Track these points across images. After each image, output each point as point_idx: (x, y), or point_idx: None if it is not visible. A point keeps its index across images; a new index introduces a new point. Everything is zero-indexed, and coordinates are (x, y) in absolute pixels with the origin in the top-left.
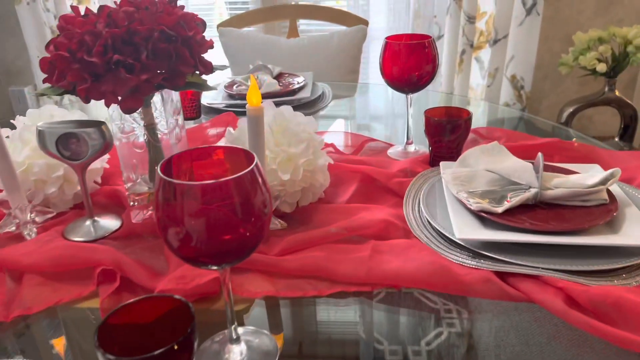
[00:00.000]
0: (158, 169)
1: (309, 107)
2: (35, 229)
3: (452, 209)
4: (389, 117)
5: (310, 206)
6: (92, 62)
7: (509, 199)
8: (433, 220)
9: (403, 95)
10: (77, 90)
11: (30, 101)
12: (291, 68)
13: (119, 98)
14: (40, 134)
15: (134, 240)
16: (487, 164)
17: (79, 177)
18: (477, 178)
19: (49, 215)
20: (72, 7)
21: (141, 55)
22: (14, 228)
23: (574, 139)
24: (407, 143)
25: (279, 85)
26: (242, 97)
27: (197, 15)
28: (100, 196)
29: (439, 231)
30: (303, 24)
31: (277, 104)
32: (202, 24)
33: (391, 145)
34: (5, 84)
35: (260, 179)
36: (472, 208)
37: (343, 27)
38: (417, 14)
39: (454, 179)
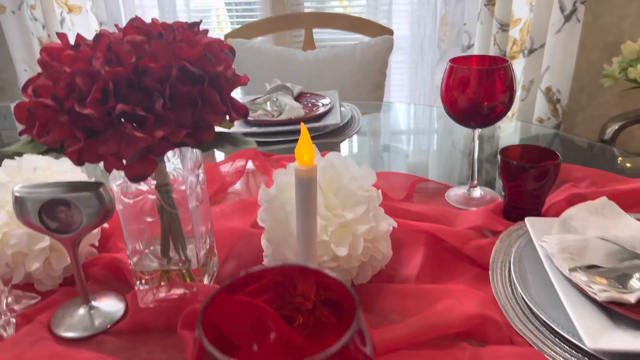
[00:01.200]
0: (199, 336)
1: (337, 134)
2: (13, 320)
3: (567, 300)
4: (424, 143)
5: (370, 286)
6: (87, 114)
7: (636, 279)
8: (541, 311)
9: (439, 118)
10: (66, 152)
11: None
12: (310, 85)
13: (124, 161)
14: (18, 202)
15: (144, 336)
16: (599, 229)
17: (69, 254)
18: (589, 249)
19: (32, 302)
20: (58, 34)
21: (155, 103)
22: None
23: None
24: (472, 186)
25: (302, 108)
26: (260, 124)
27: (223, 41)
28: (97, 267)
29: (552, 327)
30: (317, 32)
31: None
32: (231, 53)
33: (447, 186)
34: None
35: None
36: (598, 299)
37: (363, 37)
38: (444, 21)
39: (561, 251)
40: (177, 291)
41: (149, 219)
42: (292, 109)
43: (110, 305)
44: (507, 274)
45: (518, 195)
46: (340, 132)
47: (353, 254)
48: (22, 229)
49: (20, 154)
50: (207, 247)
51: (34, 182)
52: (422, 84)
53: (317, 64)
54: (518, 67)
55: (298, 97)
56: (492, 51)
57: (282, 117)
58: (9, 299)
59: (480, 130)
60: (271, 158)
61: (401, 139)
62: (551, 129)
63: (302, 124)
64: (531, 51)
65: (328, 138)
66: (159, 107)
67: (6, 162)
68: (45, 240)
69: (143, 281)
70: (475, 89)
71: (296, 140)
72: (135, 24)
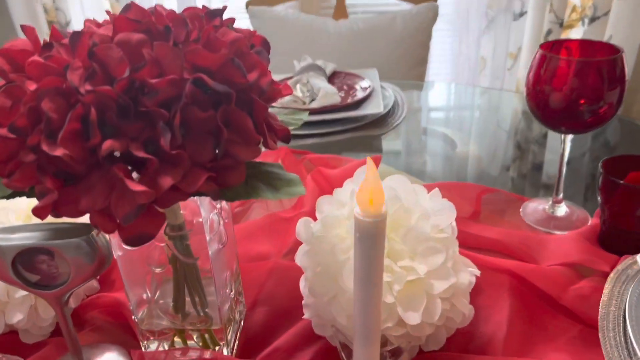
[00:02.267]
0: None
1: (379, 125)
2: None
3: None
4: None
5: (444, 355)
6: (59, 156)
7: None
8: None
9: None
10: (33, 210)
11: None
12: (343, 61)
13: (117, 220)
14: None
15: None
16: None
17: (56, 312)
18: None
19: None
20: (23, 27)
21: (160, 137)
22: None
23: None
24: (555, 201)
25: (338, 93)
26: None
27: (254, 31)
28: (97, 310)
29: None
30: None
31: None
32: (265, 49)
33: (521, 198)
34: None
35: None
36: None
37: (401, 3)
38: None
39: None
40: (193, 354)
41: (157, 270)
42: (327, 94)
43: None
44: (622, 334)
45: (623, 220)
46: (383, 121)
47: (427, 320)
48: None
49: None
50: (232, 296)
51: (10, 215)
52: (466, 55)
53: (351, 36)
54: (577, 36)
55: (331, 78)
56: (548, 19)
57: (315, 104)
58: None
59: (572, 135)
60: (304, 157)
61: (446, 123)
62: None
63: (367, 158)
64: (593, 19)
65: (367, 130)
66: (165, 142)
67: None
68: None
69: (151, 339)
70: (574, 84)
71: (332, 133)
72: (131, 14)
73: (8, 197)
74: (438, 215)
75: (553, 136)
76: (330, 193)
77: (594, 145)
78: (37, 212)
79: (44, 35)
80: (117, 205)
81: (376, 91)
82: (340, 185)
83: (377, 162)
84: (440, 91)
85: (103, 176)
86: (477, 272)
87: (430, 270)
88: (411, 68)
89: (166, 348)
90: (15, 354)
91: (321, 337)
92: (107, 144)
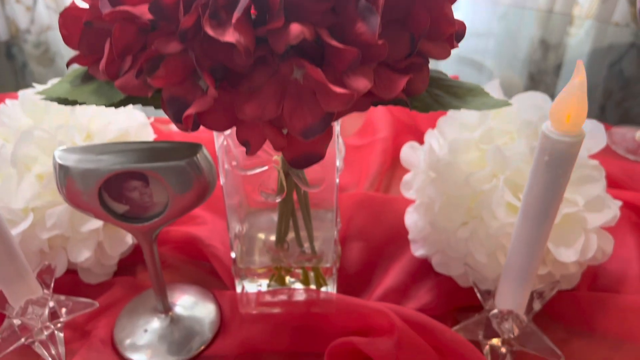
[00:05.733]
0: None
1: None
2: (60, 334)
3: None
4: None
5: (579, 295)
6: (228, 42)
7: None
8: None
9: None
10: (183, 116)
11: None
12: None
13: (285, 132)
14: (65, 174)
15: None
16: None
17: (145, 251)
18: None
19: (88, 310)
20: None
21: (357, 21)
22: (22, 341)
23: None
24: None
25: None
26: None
27: None
28: (169, 246)
29: None
30: None
31: None
32: None
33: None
34: None
35: None
36: None
37: None
38: None
39: None
40: (299, 297)
41: (278, 199)
42: None
43: (197, 312)
44: None
45: None
46: None
47: (582, 258)
48: (62, 202)
49: (63, 100)
50: (337, 230)
51: (74, 133)
52: None
53: None
54: None
55: None
56: None
57: None
58: (51, 303)
59: None
60: None
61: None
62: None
63: (578, 61)
64: None
65: None
66: (369, 28)
67: (24, 95)
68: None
69: (247, 279)
70: None
71: None
72: None
73: (116, 105)
74: (591, 139)
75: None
76: (406, 117)
77: None
78: (185, 120)
79: None
80: (294, 114)
81: None
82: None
83: None
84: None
85: (272, 75)
86: (619, 203)
87: (587, 202)
88: None
89: (264, 289)
90: (76, 296)
91: (438, 275)
92: (296, 28)
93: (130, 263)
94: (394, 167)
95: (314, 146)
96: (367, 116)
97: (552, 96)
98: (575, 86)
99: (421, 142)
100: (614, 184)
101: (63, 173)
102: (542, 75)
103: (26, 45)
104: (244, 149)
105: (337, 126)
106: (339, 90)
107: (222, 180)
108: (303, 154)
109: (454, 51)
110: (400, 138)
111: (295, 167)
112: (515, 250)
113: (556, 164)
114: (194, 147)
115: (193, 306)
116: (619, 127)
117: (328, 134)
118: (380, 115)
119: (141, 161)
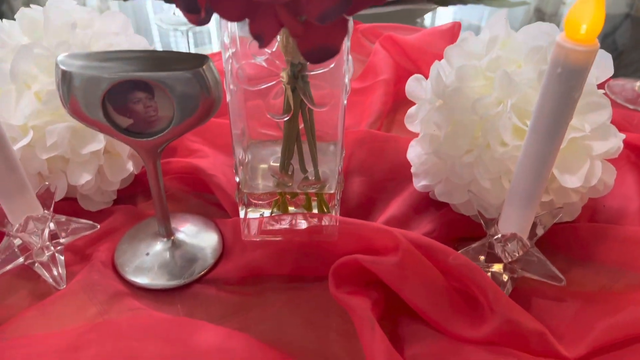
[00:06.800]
0: None
1: None
2: (61, 257)
3: None
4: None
5: (579, 226)
6: None
7: None
8: None
9: None
10: None
11: None
12: None
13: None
14: (69, 81)
15: (258, 288)
16: None
17: (148, 168)
18: None
19: (88, 232)
20: None
21: None
22: (21, 260)
23: None
24: None
25: None
26: None
27: None
28: (171, 176)
29: None
30: None
31: None
32: None
33: None
34: None
35: None
36: None
37: None
38: None
39: None
40: (301, 224)
41: (285, 118)
42: None
43: (199, 239)
44: None
45: None
46: None
47: (585, 185)
48: (63, 121)
49: None
50: (341, 159)
51: (76, 47)
52: None
53: None
54: None
55: None
56: None
57: None
58: (52, 225)
59: None
60: (357, 28)
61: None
62: (624, 7)
63: None
64: None
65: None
66: None
67: (23, 12)
68: (100, 140)
69: (250, 208)
70: None
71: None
72: None
73: None
74: (600, 69)
75: None
76: (407, 62)
77: None
78: (197, 6)
79: None
80: None
81: None
82: (420, 54)
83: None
84: None
85: None
86: (623, 135)
87: (593, 129)
88: None
89: (267, 215)
90: None
91: (439, 206)
92: None
93: (129, 194)
94: (395, 110)
95: (329, 38)
96: (369, 60)
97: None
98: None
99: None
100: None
101: (66, 80)
102: None
103: None
104: (252, 60)
105: (347, 42)
106: None
107: (228, 97)
108: (319, 45)
109: None
110: (402, 83)
111: (310, 61)
112: (521, 171)
113: (570, 76)
114: (201, 58)
115: (195, 234)
116: (618, 79)
117: (344, 26)
118: (382, 59)
119: (146, 70)
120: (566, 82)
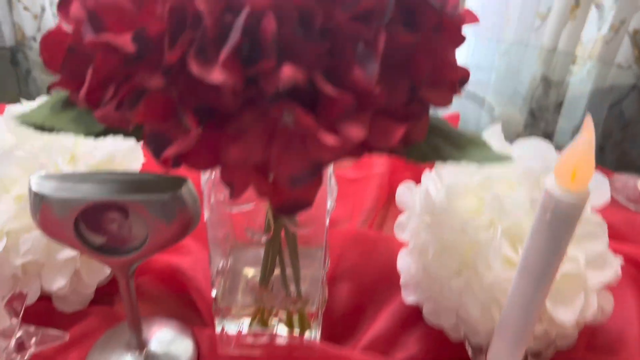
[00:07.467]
0: None
1: None
2: None
3: None
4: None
5: (577, 356)
6: (214, 84)
7: None
8: None
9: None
10: (162, 156)
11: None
12: None
13: (271, 177)
14: (41, 202)
15: None
16: None
17: (120, 284)
18: None
19: (58, 343)
20: None
21: (353, 65)
22: None
23: None
24: None
25: None
26: None
27: None
28: (149, 276)
29: None
30: None
31: None
32: None
33: (608, 172)
34: None
35: None
36: None
37: None
38: None
39: None
40: (279, 340)
41: (263, 239)
42: None
43: (173, 349)
44: None
45: None
46: None
47: (580, 319)
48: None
49: (40, 127)
50: (325, 272)
51: (57, 155)
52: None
53: None
54: (608, 2)
55: None
56: None
57: None
58: (19, 334)
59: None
60: None
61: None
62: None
63: (587, 117)
64: None
65: None
66: (366, 75)
67: (9, 111)
68: None
69: (228, 318)
70: None
71: None
72: None
73: (95, 135)
74: (592, 191)
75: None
76: None
77: None
78: (163, 160)
79: None
80: (282, 160)
81: None
82: None
83: (454, 122)
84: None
85: (260, 118)
86: (620, 261)
87: (589, 259)
88: None
89: (245, 329)
90: (48, 324)
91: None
92: (288, 70)
93: (108, 291)
94: (389, 204)
95: (302, 193)
96: None
97: (552, 134)
98: (583, 143)
99: (419, 180)
100: (614, 234)
101: (38, 200)
102: (543, 112)
103: (31, 52)
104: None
105: (329, 168)
106: (329, 140)
107: (206, 215)
108: (290, 200)
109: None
110: (398, 174)
111: (281, 214)
112: (511, 308)
113: (559, 224)
114: (179, 181)
115: (170, 343)
116: (621, 174)
117: (318, 181)
118: None
119: (122, 192)
120: (555, 229)
